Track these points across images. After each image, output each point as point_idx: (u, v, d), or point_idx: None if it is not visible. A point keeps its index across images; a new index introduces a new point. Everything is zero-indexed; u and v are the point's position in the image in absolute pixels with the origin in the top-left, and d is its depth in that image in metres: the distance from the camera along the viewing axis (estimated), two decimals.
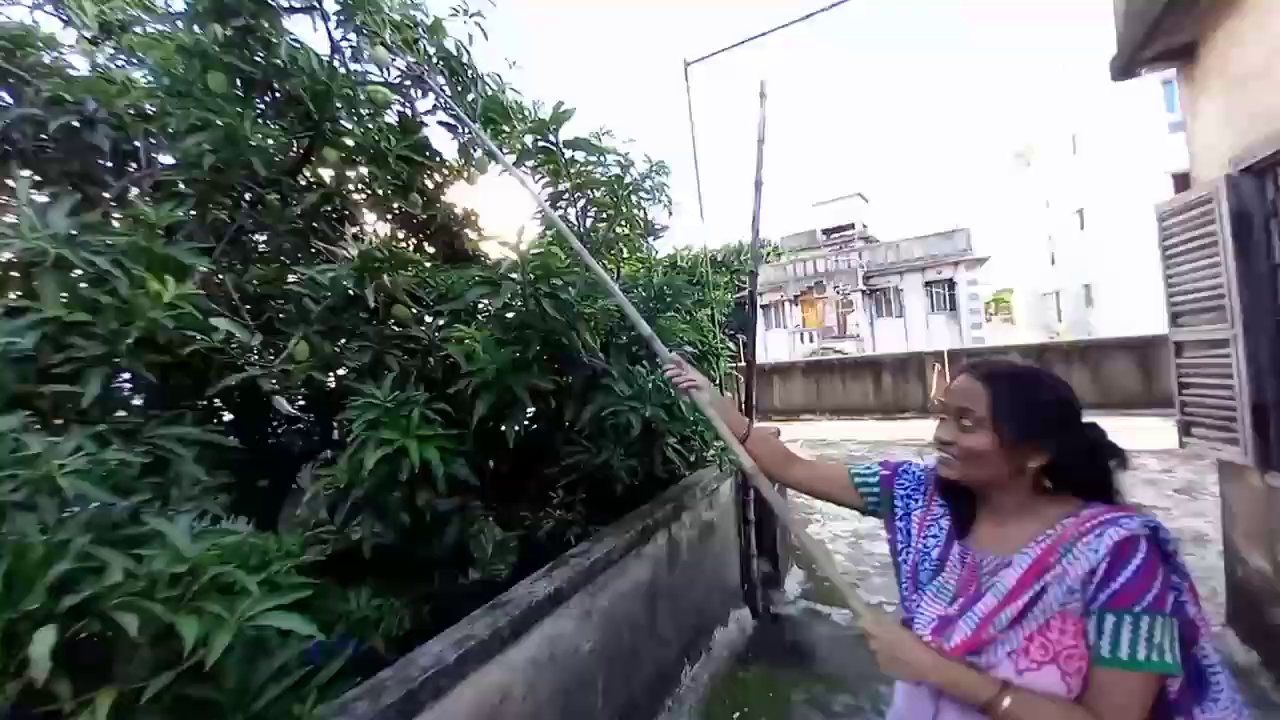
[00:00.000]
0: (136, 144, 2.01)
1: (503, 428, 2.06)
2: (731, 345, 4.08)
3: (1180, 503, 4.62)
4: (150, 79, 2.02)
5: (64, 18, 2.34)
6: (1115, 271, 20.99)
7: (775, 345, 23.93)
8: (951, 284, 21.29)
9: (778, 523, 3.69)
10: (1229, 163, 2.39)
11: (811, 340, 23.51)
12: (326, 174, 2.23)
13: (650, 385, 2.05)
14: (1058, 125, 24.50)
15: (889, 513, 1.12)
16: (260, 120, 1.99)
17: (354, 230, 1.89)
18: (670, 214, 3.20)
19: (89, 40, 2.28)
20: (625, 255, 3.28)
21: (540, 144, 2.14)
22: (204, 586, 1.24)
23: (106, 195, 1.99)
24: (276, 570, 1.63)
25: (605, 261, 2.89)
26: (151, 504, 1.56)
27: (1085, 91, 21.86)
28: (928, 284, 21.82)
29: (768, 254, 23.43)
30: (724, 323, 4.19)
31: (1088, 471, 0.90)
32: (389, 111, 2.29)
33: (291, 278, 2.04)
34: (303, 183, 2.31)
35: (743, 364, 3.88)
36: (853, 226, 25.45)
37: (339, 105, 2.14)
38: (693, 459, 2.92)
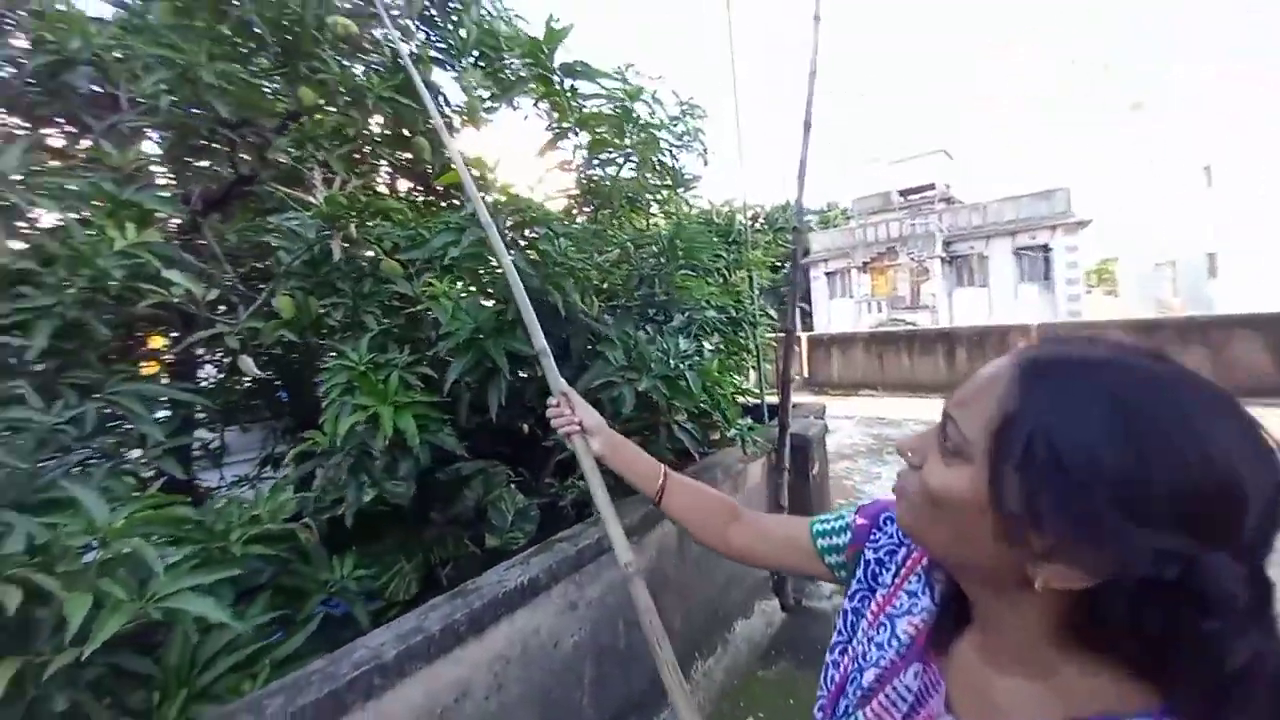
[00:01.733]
0: (112, 90, 1.90)
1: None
2: (773, 313, 3.71)
3: None
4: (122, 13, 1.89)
5: None
6: (1247, 238, 18.16)
7: (840, 315, 22.71)
8: (1046, 250, 19.20)
9: (817, 509, 3.37)
10: None
11: (880, 310, 22.12)
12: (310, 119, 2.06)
13: (655, 353, 1.77)
14: (1181, 68, 21.14)
15: (846, 589, 0.71)
16: (228, 58, 1.81)
17: (323, 175, 1.69)
18: (706, 163, 2.85)
19: None
20: (653, 209, 2.96)
21: (536, 72, 1.85)
22: (112, 561, 1.13)
23: (86, 139, 1.91)
24: (236, 538, 1.54)
25: (620, 215, 2.60)
26: (100, 464, 1.50)
27: (1216, 23, 18.61)
28: (1018, 250, 19.80)
29: (834, 217, 22.07)
30: (767, 288, 3.81)
31: (1167, 643, 0.39)
32: (376, 49, 2.07)
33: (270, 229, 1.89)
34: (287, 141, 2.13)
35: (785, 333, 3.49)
36: (933, 187, 23.37)
37: (316, 41, 1.94)
38: (716, 437, 2.65)
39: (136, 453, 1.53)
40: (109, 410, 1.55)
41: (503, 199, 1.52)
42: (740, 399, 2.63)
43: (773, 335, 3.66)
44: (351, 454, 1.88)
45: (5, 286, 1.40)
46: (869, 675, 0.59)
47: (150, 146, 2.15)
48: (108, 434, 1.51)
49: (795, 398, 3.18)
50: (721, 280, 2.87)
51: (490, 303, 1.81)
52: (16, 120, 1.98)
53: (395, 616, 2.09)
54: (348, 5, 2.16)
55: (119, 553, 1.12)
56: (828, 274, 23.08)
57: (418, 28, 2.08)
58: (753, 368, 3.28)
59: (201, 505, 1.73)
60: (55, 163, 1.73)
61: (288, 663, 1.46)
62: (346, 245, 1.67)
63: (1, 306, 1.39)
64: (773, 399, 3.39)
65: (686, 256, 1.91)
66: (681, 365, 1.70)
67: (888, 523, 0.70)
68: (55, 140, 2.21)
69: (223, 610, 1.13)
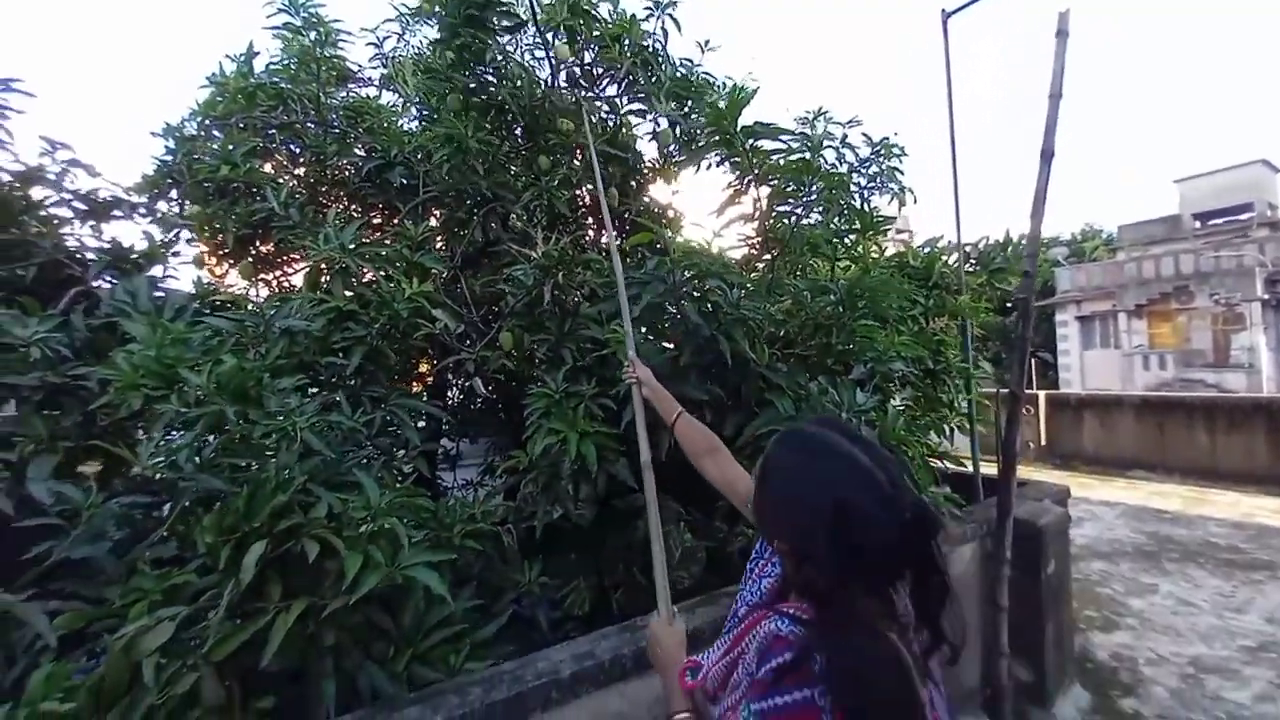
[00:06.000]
0: (414, 181, 2.58)
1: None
2: (987, 367, 3.24)
3: None
4: (422, 121, 2.58)
5: (394, 90, 3.15)
6: None
7: (1100, 370, 18.27)
8: None
9: (1050, 616, 2.71)
10: None
11: (1165, 367, 17.24)
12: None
13: (826, 404, 1.70)
14: None
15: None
16: (484, 130, 2.34)
17: (543, 235, 2.05)
18: (902, 204, 2.68)
19: (403, 107, 3.05)
20: (837, 253, 2.87)
21: (718, 136, 1.99)
22: (378, 532, 1.48)
23: (395, 220, 2.61)
24: (458, 530, 1.88)
25: (801, 262, 2.57)
26: (376, 459, 1.97)
27: None
28: None
29: (1091, 248, 18.16)
30: (981, 337, 3.34)
31: None
32: (595, 113, 2.47)
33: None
34: (528, 198, 2.59)
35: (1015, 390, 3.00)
36: (1249, 207, 17.79)
37: (550, 121, 2.38)
38: None
39: (400, 452, 1.99)
40: (388, 417, 2.05)
41: (680, 254, 1.65)
42: (938, 463, 2.32)
43: (994, 392, 3.17)
44: (545, 473, 2.17)
45: (340, 322, 1.99)
46: (742, 610, 0.88)
47: (432, 221, 2.87)
48: (385, 436, 2.01)
49: (1030, 473, 2.70)
50: (917, 328, 2.62)
51: (668, 347, 1.95)
52: (355, 206, 2.80)
53: (569, 627, 2.30)
54: (565, 86, 2.62)
55: (382, 527, 1.48)
56: (1081, 318, 18.91)
57: (621, 90, 2.43)
58: (958, 429, 2.87)
59: (438, 500, 2.16)
60: (376, 235, 2.40)
61: (482, 646, 1.72)
62: (555, 292, 1.98)
63: (335, 336, 1.98)
64: (990, 470, 2.90)
65: (869, 304, 1.80)
66: (855, 420, 1.60)
67: None
68: (377, 218, 3.05)
69: (443, 586, 1.40)
